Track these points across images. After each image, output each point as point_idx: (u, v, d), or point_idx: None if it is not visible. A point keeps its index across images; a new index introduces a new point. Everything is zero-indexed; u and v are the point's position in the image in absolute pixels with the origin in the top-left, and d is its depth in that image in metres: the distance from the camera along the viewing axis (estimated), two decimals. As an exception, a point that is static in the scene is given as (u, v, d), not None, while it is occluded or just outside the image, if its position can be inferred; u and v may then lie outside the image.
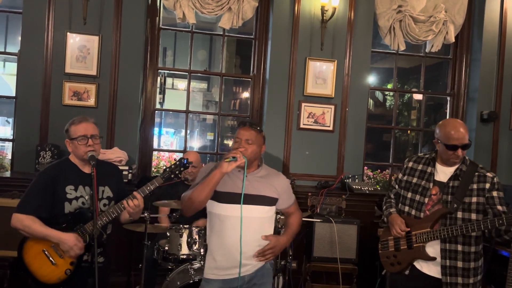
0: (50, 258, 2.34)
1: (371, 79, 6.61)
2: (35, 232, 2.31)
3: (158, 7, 4.52)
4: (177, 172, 2.43)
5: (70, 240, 2.29)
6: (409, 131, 8.98)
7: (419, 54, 5.18)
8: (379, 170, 5.08)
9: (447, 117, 5.07)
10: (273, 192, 2.35)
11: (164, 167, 4.28)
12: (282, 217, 3.23)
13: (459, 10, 4.77)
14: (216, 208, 2.29)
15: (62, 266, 2.34)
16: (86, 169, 2.45)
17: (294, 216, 2.53)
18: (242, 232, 2.22)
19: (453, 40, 4.82)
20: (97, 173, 2.34)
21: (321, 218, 3.97)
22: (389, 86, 8.02)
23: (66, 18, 4.16)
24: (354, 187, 4.32)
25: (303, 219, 3.72)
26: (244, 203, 2.23)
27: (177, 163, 2.45)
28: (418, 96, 7.90)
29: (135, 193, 2.37)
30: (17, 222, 2.32)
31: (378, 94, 9.09)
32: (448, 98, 5.13)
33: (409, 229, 2.54)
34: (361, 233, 4.00)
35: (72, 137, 2.40)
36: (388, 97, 9.23)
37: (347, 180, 4.43)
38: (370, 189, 4.35)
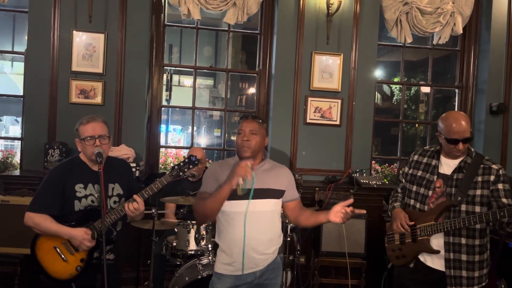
0: (61, 255, 2.39)
1: (378, 73, 6.56)
2: (46, 229, 2.36)
3: (163, 4, 4.52)
4: (185, 170, 2.46)
5: (79, 235, 2.33)
6: (417, 125, 8.92)
7: (427, 47, 5.13)
8: (387, 164, 5.05)
9: (456, 110, 5.02)
10: (280, 184, 2.35)
11: (172, 164, 4.30)
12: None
13: (467, 1, 4.70)
14: (223, 205, 2.27)
15: (73, 263, 2.39)
16: (96, 167, 2.46)
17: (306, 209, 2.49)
18: (253, 227, 2.22)
19: (461, 31, 4.75)
20: (107, 170, 2.36)
21: (328, 213, 3.96)
22: (396, 79, 7.96)
23: (71, 16, 4.17)
24: (362, 181, 4.31)
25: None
26: (251, 198, 2.22)
27: (186, 160, 2.47)
28: (426, 89, 7.82)
29: (135, 196, 2.39)
30: (29, 220, 2.38)
31: (385, 88, 9.03)
32: (457, 91, 5.08)
33: (413, 223, 2.52)
34: (369, 228, 3.99)
35: (81, 137, 2.42)
36: (395, 91, 9.16)
37: (355, 175, 4.41)
38: (378, 183, 4.33)
